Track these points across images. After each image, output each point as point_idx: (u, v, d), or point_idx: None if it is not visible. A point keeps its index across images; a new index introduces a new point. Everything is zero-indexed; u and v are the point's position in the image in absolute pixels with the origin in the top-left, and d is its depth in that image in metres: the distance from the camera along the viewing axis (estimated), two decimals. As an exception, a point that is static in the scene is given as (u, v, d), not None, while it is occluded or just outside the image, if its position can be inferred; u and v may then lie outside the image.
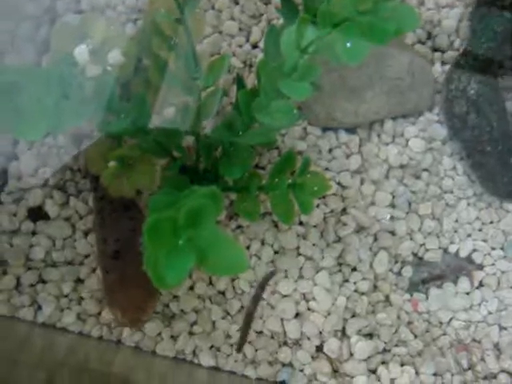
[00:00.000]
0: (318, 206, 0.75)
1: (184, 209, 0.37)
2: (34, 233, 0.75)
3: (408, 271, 0.75)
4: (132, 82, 0.60)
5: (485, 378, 0.72)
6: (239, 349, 0.71)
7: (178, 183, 0.63)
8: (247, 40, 0.81)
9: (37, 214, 0.75)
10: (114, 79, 0.54)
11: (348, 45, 0.43)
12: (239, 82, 0.64)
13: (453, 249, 0.76)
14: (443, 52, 0.81)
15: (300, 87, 0.51)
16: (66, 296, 0.73)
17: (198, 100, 0.60)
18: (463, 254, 0.76)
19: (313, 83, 0.53)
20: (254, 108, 0.55)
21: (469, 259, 0.76)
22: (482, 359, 0.73)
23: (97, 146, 0.64)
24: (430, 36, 0.81)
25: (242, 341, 0.71)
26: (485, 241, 0.77)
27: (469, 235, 0.77)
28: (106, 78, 0.53)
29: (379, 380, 0.71)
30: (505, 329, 0.74)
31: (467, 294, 0.75)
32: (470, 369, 0.72)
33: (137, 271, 0.60)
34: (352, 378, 0.71)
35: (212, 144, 0.63)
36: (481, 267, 0.76)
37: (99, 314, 0.72)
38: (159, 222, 0.37)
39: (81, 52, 0.53)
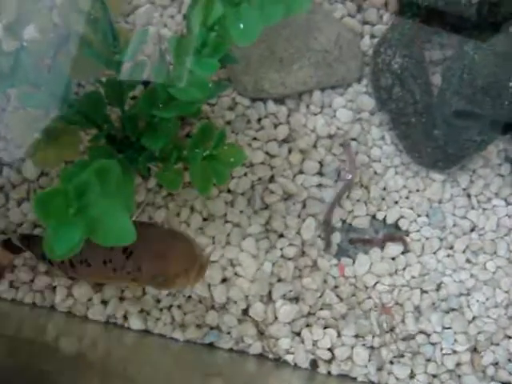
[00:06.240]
0: (245, 174, 0.77)
1: (73, 182, 0.39)
2: (-34, 203, 0.76)
3: (336, 237, 0.78)
4: (54, 55, 0.61)
5: (403, 339, 0.75)
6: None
7: (105, 153, 0.65)
8: (179, 11, 0.81)
9: (-31, 184, 0.76)
10: (30, 54, 0.55)
11: (241, 26, 0.45)
12: (161, 55, 0.65)
13: (380, 216, 0.79)
14: (373, 25, 0.82)
15: (209, 63, 0.53)
16: (-1, 264, 0.75)
17: (118, 73, 0.61)
18: (390, 220, 0.79)
19: (228, 56, 0.54)
20: (168, 83, 0.57)
21: (395, 226, 0.79)
22: (403, 321, 0.76)
23: (22, 118, 0.66)
24: (359, 9, 0.83)
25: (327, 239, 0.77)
26: (411, 208, 0.79)
27: (396, 202, 0.79)
28: (21, 53, 0.55)
29: (302, 342, 0.74)
30: (426, 292, 0.77)
31: (393, 259, 0.78)
32: (390, 331, 0.76)
33: None
34: (277, 339, 0.74)
35: (136, 115, 0.65)
36: (407, 233, 0.79)
37: (32, 281, 0.74)
38: (50, 194, 0.39)
39: (-7, 27, 0.55)
